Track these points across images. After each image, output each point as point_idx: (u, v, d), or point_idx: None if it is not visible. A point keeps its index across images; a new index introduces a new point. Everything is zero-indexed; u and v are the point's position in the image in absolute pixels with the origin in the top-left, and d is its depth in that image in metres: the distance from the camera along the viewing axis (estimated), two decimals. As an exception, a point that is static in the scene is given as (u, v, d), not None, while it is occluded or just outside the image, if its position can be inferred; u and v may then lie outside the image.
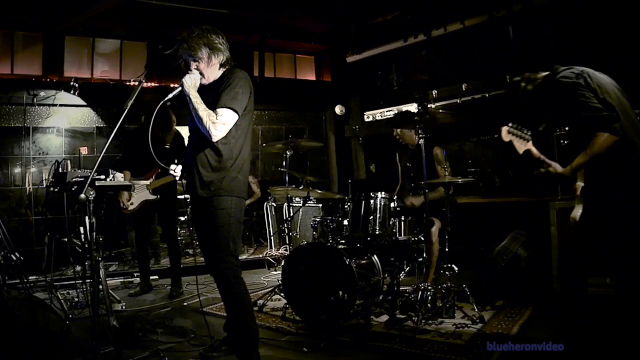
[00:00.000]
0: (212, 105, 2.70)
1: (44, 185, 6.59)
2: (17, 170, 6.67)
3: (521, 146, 2.69)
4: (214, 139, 2.68)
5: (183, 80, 2.72)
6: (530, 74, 2.74)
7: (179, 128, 5.02)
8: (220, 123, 2.66)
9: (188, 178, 2.88)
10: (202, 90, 2.78)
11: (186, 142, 4.82)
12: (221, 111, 2.68)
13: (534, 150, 2.69)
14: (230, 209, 2.77)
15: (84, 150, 6.93)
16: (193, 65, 2.78)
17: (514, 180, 5.55)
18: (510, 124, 2.70)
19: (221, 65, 2.84)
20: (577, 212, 2.67)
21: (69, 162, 3.77)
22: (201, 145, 2.77)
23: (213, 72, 2.83)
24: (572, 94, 2.47)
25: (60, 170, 3.65)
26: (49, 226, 6.25)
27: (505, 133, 2.70)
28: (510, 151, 2.80)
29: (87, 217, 2.88)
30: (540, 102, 2.70)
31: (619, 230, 2.48)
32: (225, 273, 2.79)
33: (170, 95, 2.74)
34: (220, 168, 2.77)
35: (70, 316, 4.02)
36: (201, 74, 2.79)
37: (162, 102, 2.75)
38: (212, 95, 2.75)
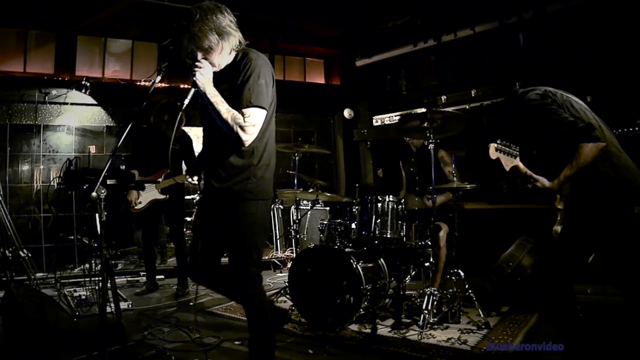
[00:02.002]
0: (228, 94, 2.33)
1: (53, 183, 6.65)
2: (27, 167, 6.73)
3: (508, 163, 2.66)
4: (247, 144, 2.32)
5: (194, 79, 2.30)
6: (490, 102, 2.77)
7: (186, 129, 5.07)
8: (250, 125, 2.28)
9: (206, 179, 2.54)
10: (214, 78, 2.38)
11: (195, 143, 4.93)
12: (248, 111, 2.29)
13: (521, 166, 2.66)
14: (256, 214, 2.43)
15: (92, 149, 6.98)
16: (200, 55, 2.34)
17: (507, 194, 5.54)
18: (499, 141, 2.64)
19: (232, 50, 2.41)
20: (559, 226, 2.68)
21: (80, 159, 3.78)
22: (221, 143, 2.40)
23: (224, 58, 2.40)
24: (545, 114, 2.50)
25: (72, 168, 3.68)
26: (57, 224, 6.31)
27: (492, 150, 2.63)
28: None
29: (97, 216, 2.93)
30: (504, 123, 2.72)
31: (603, 236, 2.49)
32: (246, 286, 2.50)
33: (186, 101, 2.37)
34: (245, 168, 2.40)
35: (78, 313, 4.04)
36: (211, 64, 2.37)
37: (182, 108, 2.41)
38: (228, 82, 2.38)
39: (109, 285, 2.78)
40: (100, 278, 2.72)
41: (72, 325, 3.41)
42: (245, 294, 2.53)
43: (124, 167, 6.07)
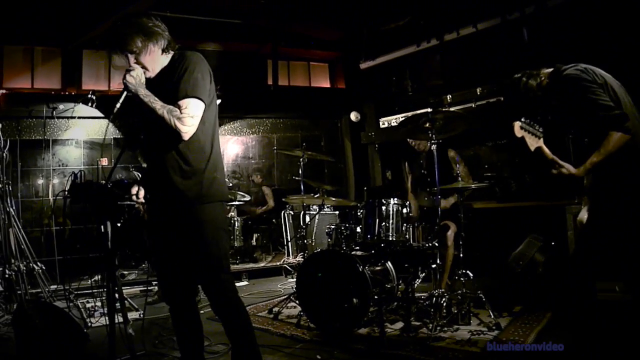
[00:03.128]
0: (168, 98, 2.29)
1: (60, 197, 6.74)
2: (39, 181, 6.84)
3: (533, 143, 2.56)
4: (186, 137, 2.29)
5: (125, 81, 2.28)
6: (532, 70, 2.64)
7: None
8: (188, 116, 2.26)
9: (154, 188, 2.47)
10: (151, 85, 2.33)
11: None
12: (184, 102, 2.27)
13: (545, 148, 2.56)
14: (215, 219, 2.41)
15: (103, 161, 7.05)
16: (131, 59, 2.33)
17: (530, 184, 5.47)
18: (523, 119, 2.53)
19: (163, 51, 2.40)
20: (585, 214, 2.60)
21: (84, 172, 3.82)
22: (166, 147, 2.36)
23: (156, 61, 2.38)
24: (581, 91, 2.40)
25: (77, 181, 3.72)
26: (73, 236, 6.38)
27: (517, 128, 2.52)
28: (527, 155, 2.73)
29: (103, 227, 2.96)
30: (544, 98, 2.61)
31: (629, 232, 2.40)
32: (222, 294, 2.43)
33: (118, 104, 2.32)
34: (195, 171, 2.37)
35: (89, 324, 4.08)
36: (143, 67, 2.35)
37: (112, 115, 2.33)
38: (165, 87, 2.34)
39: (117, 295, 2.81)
40: (106, 289, 2.74)
41: (83, 337, 3.44)
42: (221, 303, 2.45)
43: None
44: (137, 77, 2.29)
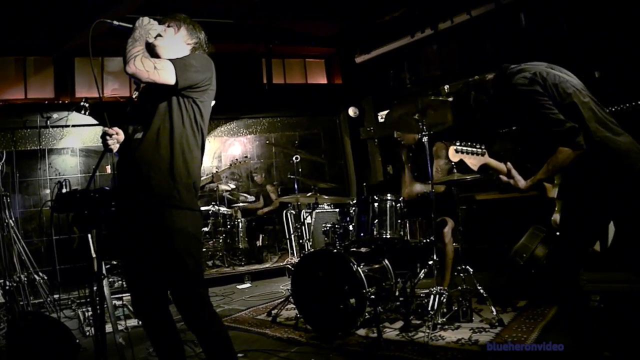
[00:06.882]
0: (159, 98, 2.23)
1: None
2: (36, 191, 6.81)
3: (475, 162, 2.58)
4: (127, 69, 2.09)
5: (141, 18, 2.23)
6: (477, 77, 2.58)
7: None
8: (151, 63, 2.10)
9: (127, 184, 2.30)
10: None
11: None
12: (162, 59, 2.19)
13: (492, 162, 2.58)
14: (187, 229, 2.22)
15: (107, 169, 7.02)
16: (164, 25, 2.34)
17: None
18: (457, 143, 2.59)
19: (187, 42, 2.40)
20: (558, 216, 2.51)
21: (69, 181, 3.76)
22: (149, 143, 2.23)
23: (175, 43, 2.34)
24: (531, 104, 2.28)
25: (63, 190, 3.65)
26: (78, 245, 6.35)
27: (452, 153, 2.57)
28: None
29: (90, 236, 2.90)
30: (495, 110, 2.52)
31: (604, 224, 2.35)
32: (196, 308, 2.25)
33: (115, 23, 2.23)
34: (173, 173, 2.22)
35: (87, 334, 4.04)
36: (162, 35, 2.30)
37: (108, 22, 2.22)
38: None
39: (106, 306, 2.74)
40: (98, 298, 2.67)
41: (74, 346, 3.39)
42: (193, 318, 2.25)
43: None
44: (151, 25, 2.26)
